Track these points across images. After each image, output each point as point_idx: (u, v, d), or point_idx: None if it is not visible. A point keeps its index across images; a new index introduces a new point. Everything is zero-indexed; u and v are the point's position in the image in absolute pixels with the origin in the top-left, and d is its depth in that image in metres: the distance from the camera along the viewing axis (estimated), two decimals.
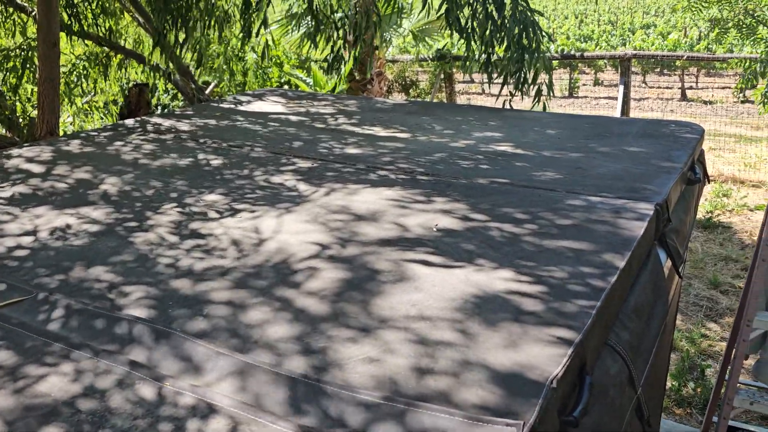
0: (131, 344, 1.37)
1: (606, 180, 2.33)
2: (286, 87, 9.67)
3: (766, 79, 6.16)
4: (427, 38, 10.80)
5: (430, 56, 11.23)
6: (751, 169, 9.52)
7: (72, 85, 7.35)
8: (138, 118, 3.55)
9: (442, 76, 11.35)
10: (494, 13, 4.48)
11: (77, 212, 2.12)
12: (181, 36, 5.11)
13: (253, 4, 4.83)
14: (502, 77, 4.68)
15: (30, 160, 2.74)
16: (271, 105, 3.93)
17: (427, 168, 2.50)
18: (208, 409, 1.16)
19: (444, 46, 11.16)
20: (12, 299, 1.56)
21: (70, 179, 2.48)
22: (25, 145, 3.02)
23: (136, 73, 7.28)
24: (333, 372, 1.23)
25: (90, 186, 2.39)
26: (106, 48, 7.08)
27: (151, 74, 6.93)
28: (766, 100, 6.08)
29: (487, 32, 4.53)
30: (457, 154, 2.73)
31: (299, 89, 8.66)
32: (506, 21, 4.50)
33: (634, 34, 21.28)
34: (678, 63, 16.36)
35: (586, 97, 17.44)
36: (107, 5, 6.68)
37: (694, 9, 6.81)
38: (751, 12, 6.51)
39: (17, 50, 6.59)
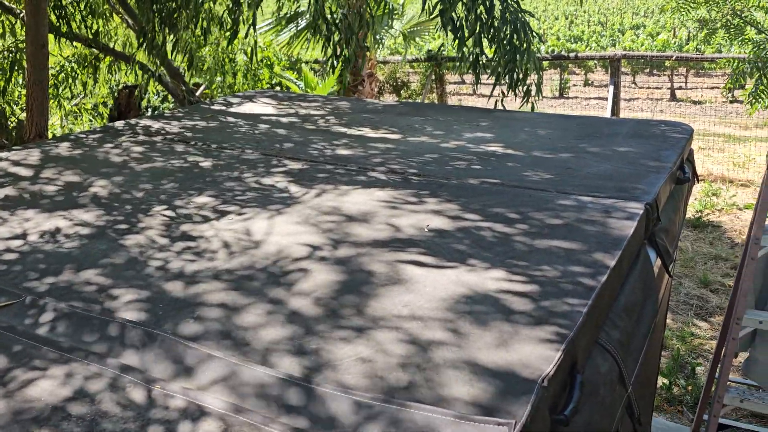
0: (122, 347, 1.36)
1: (596, 180, 2.34)
2: (277, 88, 9.66)
3: (753, 80, 6.21)
4: (417, 39, 10.83)
5: (421, 57, 11.25)
6: (739, 168, 9.59)
7: (61, 87, 7.30)
8: (128, 121, 3.53)
9: (433, 77, 11.37)
10: (484, 15, 4.49)
11: (67, 215, 2.11)
12: (170, 37, 5.09)
13: (244, 5, 4.82)
14: (493, 77, 4.69)
15: (19, 163, 2.72)
16: (262, 106, 3.92)
17: (419, 169, 2.51)
18: (199, 412, 1.15)
19: (439, 47, 11.20)
20: (1, 303, 1.55)
21: (59, 182, 2.46)
22: (14, 148, 3.00)
23: (126, 75, 7.24)
24: (325, 373, 1.23)
25: (80, 189, 2.38)
26: (95, 50, 7.05)
27: (141, 76, 6.90)
28: (753, 100, 6.13)
29: (480, 32, 4.54)
30: (448, 154, 2.73)
31: (290, 91, 8.66)
32: (495, 21, 4.52)
33: (623, 35, 21.39)
34: (667, 63, 16.45)
35: (576, 97, 17.50)
36: (96, 7, 6.64)
37: (682, 10, 6.86)
38: (738, 12, 6.56)
39: (5, 52, 6.55)
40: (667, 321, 4.86)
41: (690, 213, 7.71)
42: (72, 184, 2.44)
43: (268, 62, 9.48)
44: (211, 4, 5.55)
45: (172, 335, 1.38)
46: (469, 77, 17.97)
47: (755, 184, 8.80)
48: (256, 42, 5.76)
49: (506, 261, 1.68)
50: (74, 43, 6.82)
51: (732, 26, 6.62)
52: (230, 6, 4.90)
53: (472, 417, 1.09)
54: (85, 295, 1.57)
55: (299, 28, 10.02)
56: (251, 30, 4.94)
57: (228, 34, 5.09)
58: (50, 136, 5.80)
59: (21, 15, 6.23)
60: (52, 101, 6.98)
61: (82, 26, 6.55)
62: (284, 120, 3.53)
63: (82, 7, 6.47)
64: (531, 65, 4.63)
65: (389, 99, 12.09)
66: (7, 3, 6.48)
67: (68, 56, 7.39)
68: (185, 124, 3.41)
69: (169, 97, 9.15)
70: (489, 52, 4.71)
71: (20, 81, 6.80)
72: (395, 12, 10.01)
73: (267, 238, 1.88)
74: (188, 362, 1.30)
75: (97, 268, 1.72)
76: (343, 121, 3.46)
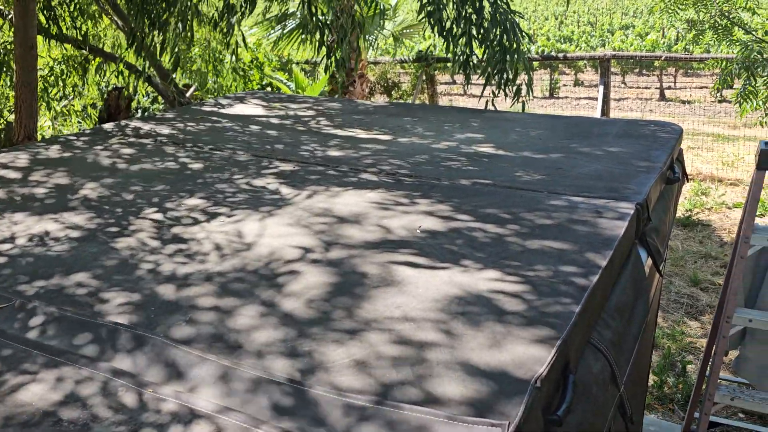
0: (113, 351, 1.35)
1: (587, 180, 2.35)
2: (268, 89, 9.64)
3: (741, 80, 6.25)
4: (407, 40, 10.85)
5: (411, 58, 11.26)
6: (728, 167, 9.66)
7: (50, 89, 7.25)
8: (118, 122, 3.51)
9: (424, 77, 11.38)
10: (474, 16, 4.50)
11: (57, 218, 2.10)
12: (159, 38, 5.06)
13: (237, 8, 4.81)
14: (484, 78, 4.70)
15: (7, 165, 2.69)
16: (253, 108, 3.91)
17: (410, 170, 2.51)
18: (191, 415, 1.15)
19: (428, 48, 11.20)
20: None
21: (49, 184, 2.44)
22: (3, 150, 2.97)
23: (116, 76, 7.21)
24: (318, 375, 1.23)
25: (69, 191, 2.36)
26: (84, 51, 7.00)
27: (130, 77, 6.86)
28: (741, 101, 6.17)
29: (469, 33, 4.55)
30: (440, 155, 2.74)
31: (281, 92, 8.64)
32: (485, 22, 4.53)
33: (613, 35, 21.49)
34: (656, 63, 16.56)
35: (566, 97, 17.57)
36: (85, 8, 6.60)
37: (671, 11, 6.90)
38: (726, 13, 6.61)
39: None
40: (658, 320, 4.89)
41: (680, 212, 7.76)
42: (62, 186, 2.42)
43: (258, 63, 9.46)
44: (202, 6, 5.53)
45: (164, 338, 1.37)
46: (459, 77, 18.01)
47: (744, 183, 8.87)
48: (236, 42, 5.70)
49: (498, 261, 1.68)
50: (63, 45, 6.77)
51: (720, 27, 6.67)
52: (222, 9, 4.89)
53: (466, 418, 1.10)
54: (76, 299, 1.56)
55: (288, 29, 10.01)
56: (236, 28, 4.92)
57: (220, 36, 5.07)
58: (39, 138, 5.76)
59: (9, 16, 6.19)
60: (41, 103, 6.93)
61: (72, 28, 6.51)
62: (275, 121, 3.53)
63: (72, 8, 6.43)
64: (521, 65, 4.64)
65: (380, 100, 12.10)
66: None
67: (57, 57, 7.35)
68: (175, 126, 3.39)
69: (159, 98, 9.11)
70: (479, 52, 4.72)
71: (9, 83, 6.74)
72: (386, 12, 10.02)
73: (258, 240, 1.87)
74: (180, 365, 1.29)
75: (88, 271, 1.71)
76: (334, 123, 3.46)
